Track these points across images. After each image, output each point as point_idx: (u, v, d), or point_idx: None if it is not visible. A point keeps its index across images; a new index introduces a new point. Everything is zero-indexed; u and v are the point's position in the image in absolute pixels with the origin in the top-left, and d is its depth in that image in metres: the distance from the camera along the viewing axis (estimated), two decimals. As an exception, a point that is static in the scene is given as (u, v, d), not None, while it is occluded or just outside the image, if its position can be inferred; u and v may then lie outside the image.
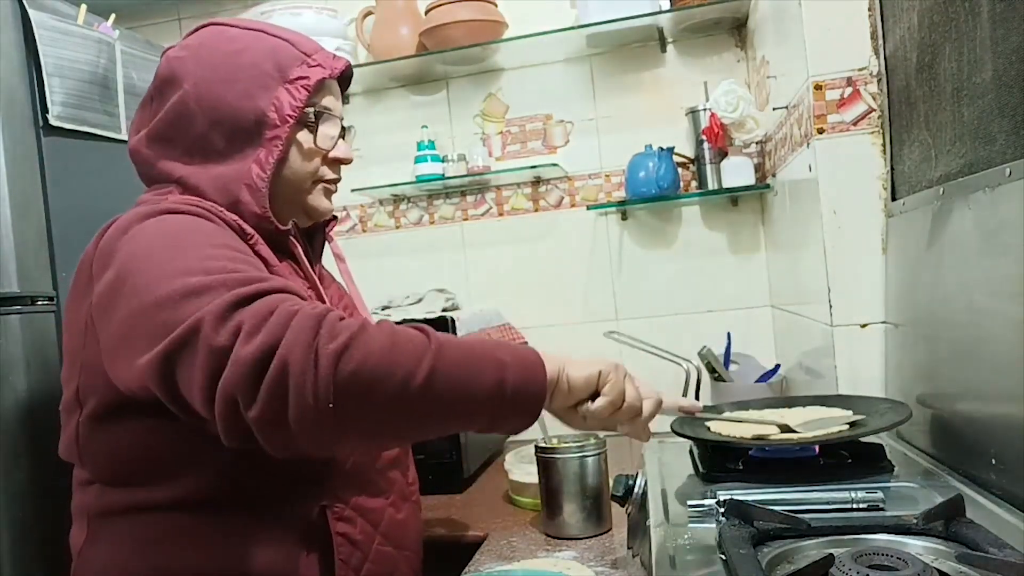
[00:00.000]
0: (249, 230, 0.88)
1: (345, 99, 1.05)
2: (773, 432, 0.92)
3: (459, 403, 0.72)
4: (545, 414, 1.27)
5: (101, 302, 0.79)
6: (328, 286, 1.08)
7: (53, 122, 1.19)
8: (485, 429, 0.76)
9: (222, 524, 0.84)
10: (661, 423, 1.01)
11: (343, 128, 0.98)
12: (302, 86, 0.90)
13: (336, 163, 0.98)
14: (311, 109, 0.92)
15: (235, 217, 0.87)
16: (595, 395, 0.81)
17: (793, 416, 0.97)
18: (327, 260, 1.13)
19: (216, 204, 0.88)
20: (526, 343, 1.92)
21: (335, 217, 1.08)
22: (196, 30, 0.96)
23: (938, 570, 0.58)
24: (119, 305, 0.76)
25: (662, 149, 1.76)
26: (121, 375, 0.78)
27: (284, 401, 0.64)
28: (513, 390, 0.72)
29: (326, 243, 1.10)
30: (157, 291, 0.71)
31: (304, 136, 0.93)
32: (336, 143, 0.96)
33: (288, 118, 0.89)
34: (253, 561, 0.83)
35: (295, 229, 0.99)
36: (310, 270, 1.00)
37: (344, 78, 1.00)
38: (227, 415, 0.66)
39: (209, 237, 0.79)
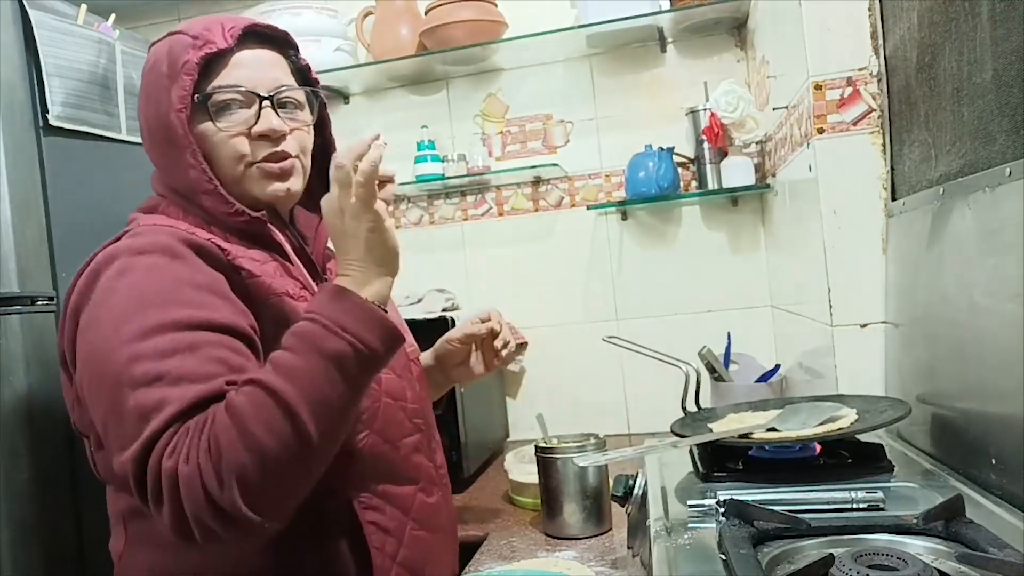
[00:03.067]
0: (225, 246, 0.86)
1: (305, 77, 0.97)
2: (759, 432, 0.93)
3: (338, 410, 0.76)
4: (546, 418, 1.29)
5: (72, 352, 0.83)
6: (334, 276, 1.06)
7: (53, 122, 1.19)
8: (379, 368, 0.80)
9: None
10: (661, 423, 1.00)
11: (263, 98, 0.90)
12: (184, 73, 0.86)
13: (264, 140, 0.90)
14: (198, 94, 0.87)
15: (208, 236, 0.86)
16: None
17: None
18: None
19: (191, 221, 0.89)
20: (526, 343, 1.93)
21: None
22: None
23: (938, 570, 0.58)
24: (86, 371, 0.80)
25: (662, 149, 1.76)
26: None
27: (220, 536, 0.72)
28: (365, 349, 0.76)
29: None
30: (110, 377, 0.76)
31: (207, 125, 0.89)
32: (258, 118, 0.89)
33: (179, 112, 0.86)
34: (285, 556, 0.85)
35: (274, 217, 0.95)
36: (300, 265, 0.95)
37: (276, 40, 0.94)
38: (187, 540, 0.73)
39: (165, 304, 0.78)
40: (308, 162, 0.98)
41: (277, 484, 0.73)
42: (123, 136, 1.34)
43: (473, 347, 1.11)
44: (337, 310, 0.76)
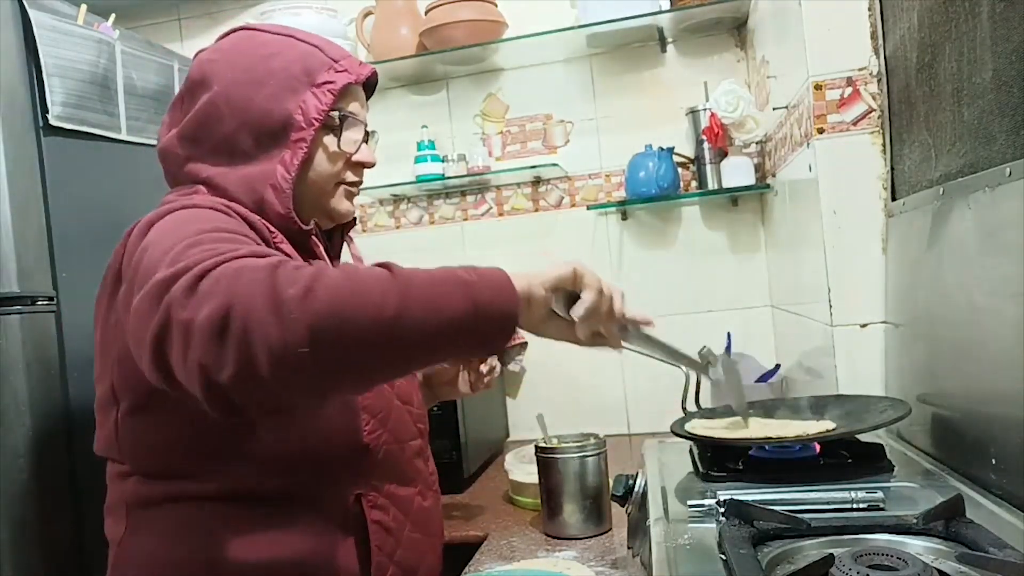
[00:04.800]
0: (272, 228, 0.90)
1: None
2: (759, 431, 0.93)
3: (434, 327, 0.70)
4: (547, 418, 1.29)
5: (124, 299, 0.81)
6: None
7: (53, 122, 1.19)
8: (467, 353, 0.78)
9: (262, 513, 0.86)
10: (661, 423, 1.00)
11: (366, 133, 1.00)
12: (328, 90, 0.92)
13: (358, 166, 1.00)
14: (336, 113, 0.94)
15: (258, 218, 0.89)
16: (574, 297, 0.85)
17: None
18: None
19: (241, 205, 0.90)
20: (525, 343, 1.92)
21: (355, 219, 1.09)
22: (228, 34, 0.98)
23: (938, 570, 0.59)
24: (132, 300, 0.76)
25: (662, 149, 1.76)
26: (144, 370, 0.75)
27: (253, 355, 0.60)
28: (487, 304, 0.74)
29: (345, 244, 1.11)
30: (150, 281, 0.69)
31: (329, 139, 0.95)
32: (359, 147, 0.98)
33: (314, 121, 0.91)
34: (293, 548, 0.86)
35: (317, 229, 1.00)
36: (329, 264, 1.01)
37: (369, 85, 1.03)
38: (203, 387, 0.62)
39: (212, 223, 0.79)
40: None
41: (343, 332, 0.63)
42: (123, 136, 1.34)
43: (461, 367, 1.15)
44: (498, 275, 0.79)
